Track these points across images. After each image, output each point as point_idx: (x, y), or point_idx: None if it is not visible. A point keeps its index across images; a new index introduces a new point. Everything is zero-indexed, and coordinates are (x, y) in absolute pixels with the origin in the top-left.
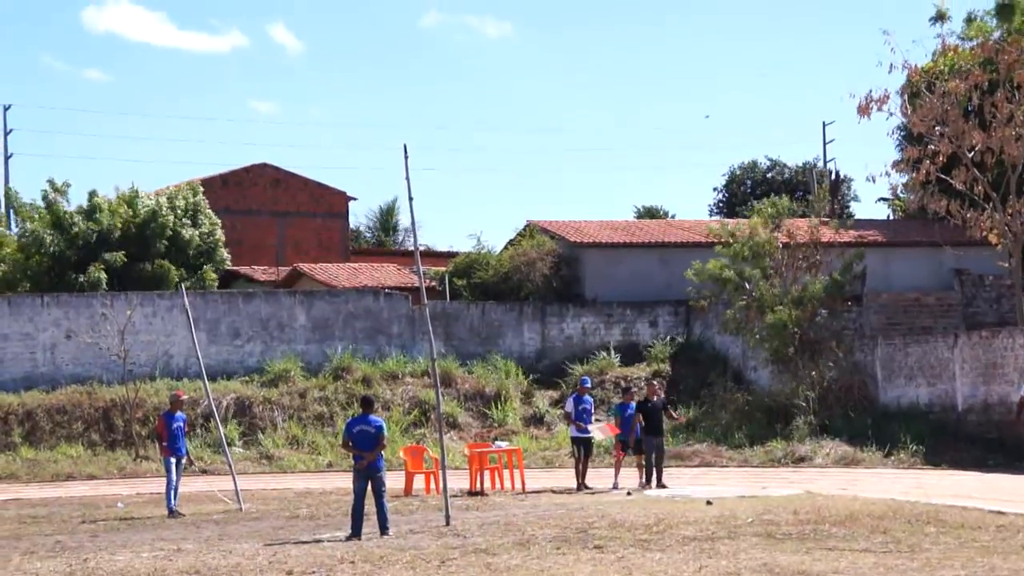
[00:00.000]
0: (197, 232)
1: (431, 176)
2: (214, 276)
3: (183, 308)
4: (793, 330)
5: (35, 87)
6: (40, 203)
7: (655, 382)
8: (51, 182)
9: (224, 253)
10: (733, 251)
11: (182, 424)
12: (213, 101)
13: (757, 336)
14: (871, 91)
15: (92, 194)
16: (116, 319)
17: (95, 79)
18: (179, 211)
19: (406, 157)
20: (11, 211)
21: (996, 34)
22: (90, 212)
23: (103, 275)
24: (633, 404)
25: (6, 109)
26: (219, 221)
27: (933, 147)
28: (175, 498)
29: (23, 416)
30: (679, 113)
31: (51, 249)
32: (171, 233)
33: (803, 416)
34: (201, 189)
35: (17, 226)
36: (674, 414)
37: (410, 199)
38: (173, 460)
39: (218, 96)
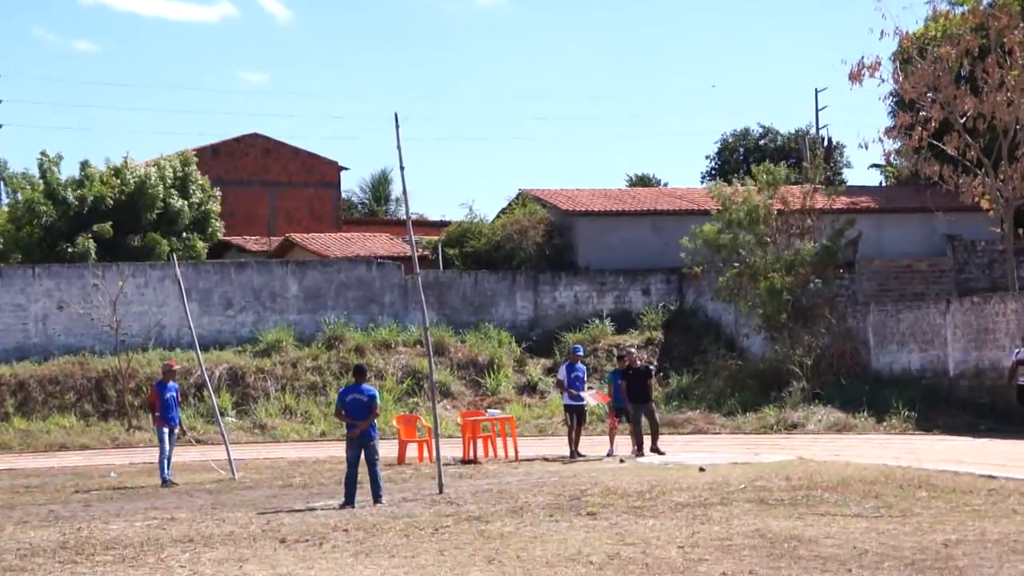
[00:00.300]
0: (187, 203)
1: (423, 145)
2: (203, 245)
3: (175, 278)
4: (786, 297)
5: (25, 58)
6: (34, 173)
7: (633, 350)
8: (44, 153)
9: (217, 223)
10: (728, 217)
11: (175, 394)
12: (203, 72)
13: (750, 303)
14: (863, 57)
15: (84, 164)
16: (108, 290)
17: (85, 50)
18: (169, 181)
19: (397, 127)
20: (2, 182)
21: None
22: (81, 183)
23: (92, 244)
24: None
25: None
26: (215, 192)
27: (925, 113)
28: (168, 467)
29: (16, 387)
30: (671, 81)
31: (44, 220)
32: (162, 204)
33: (796, 383)
34: (195, 159)
35: (7, 197)
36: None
37: (401, 168)
38: (166, 430)
39: (208, 67)
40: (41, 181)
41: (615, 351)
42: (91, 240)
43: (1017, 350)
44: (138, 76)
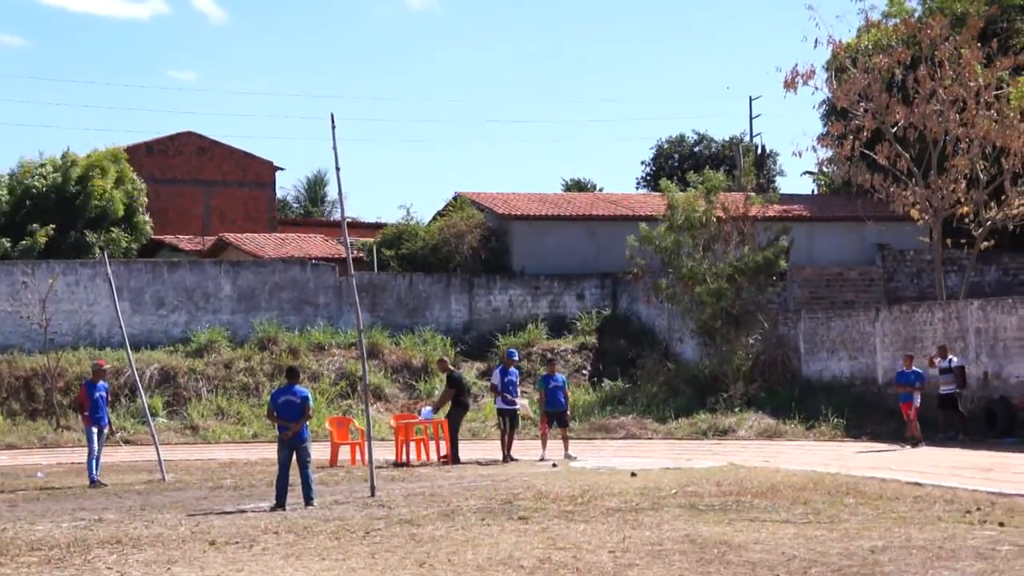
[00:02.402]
0: (120, 199)
1: (359, 147)
2: (130, 240)
3: (106, 276)
4: (722, 303)
5: None
6: None
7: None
8: None
9: (145, 219)
10: (669, 222)
11: (104, 394)
12: (132, 69)
13: (687, 307)
14: (797, 65)
15: (22, 164)
16: (37, 287)
17: (12, 44)
18: (110, 178)
19: (333, 127)
20: None
21: (918, 11)
22: (17, 178)
23: (42, 239)
24: (560, 376)
25: None
26: (144, 187)
27: (857, 122)
28: (97, 468)
29: None
30: (608, 86)
31: None
32: (98, 201)
33: (728, 389)
34: (124, 156)
35: None
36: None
37: (337, 169)
38: (95, 430)
39: (137, 64)
40: None
41: (547, 355)
42: (44, 236)
43: (948, 359)
44: (67, 72)
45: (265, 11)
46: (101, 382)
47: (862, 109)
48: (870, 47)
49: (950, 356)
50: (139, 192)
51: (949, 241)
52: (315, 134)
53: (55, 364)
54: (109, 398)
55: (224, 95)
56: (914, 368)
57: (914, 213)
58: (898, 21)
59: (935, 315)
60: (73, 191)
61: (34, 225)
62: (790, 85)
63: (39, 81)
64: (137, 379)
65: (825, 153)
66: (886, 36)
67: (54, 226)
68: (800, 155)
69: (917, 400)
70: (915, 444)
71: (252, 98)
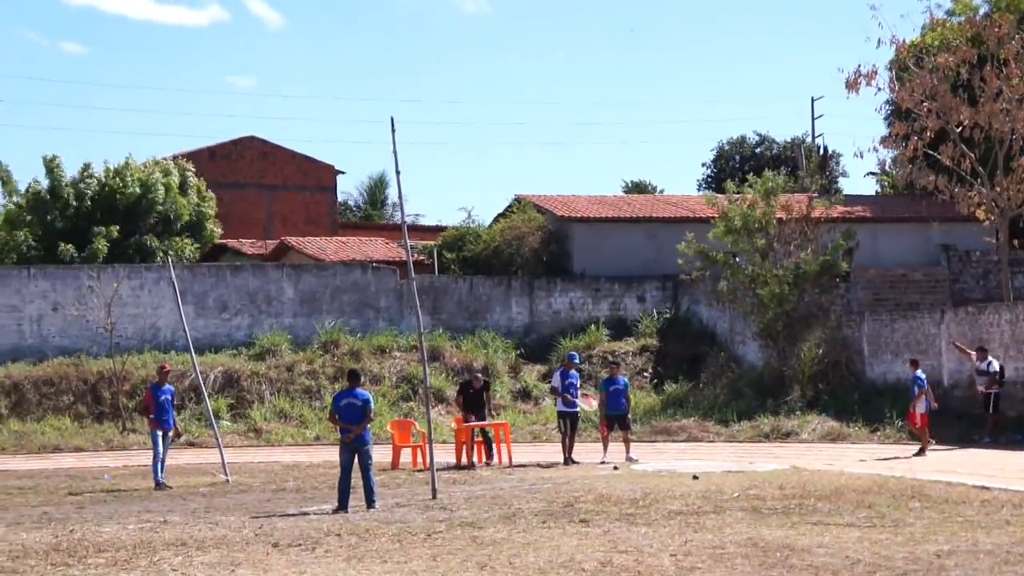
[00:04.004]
0: (185, 206)
1: (419, 150)
2: (196, 246)
3: (170, 281)
4: (783, 305)
5: (12, 60)
6: (36, 175)
7: (479, 375)
8: (46, 158)
9: (213, 227)
10: (728, 224)
11: (169, 396)
12: (191, 75)
13: (748, 310)
14: (859, 66)
15: (86, 167)
16: (103, 292)
17: (73, 52)
18: (172, 184)
19: (393, 130)
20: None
21: (983, 8)
22: (81, 184)
23: (104, 244)
24: (621, 379)
25: None
26: (212, 196)
27: (921, 123)
28: (162, 471)
29: (10, 388)
30: (669, 88)
31: (48, 220)
32: (161, 207)
33: (791, 391)
34: (190, 165)
35: (4, 198)
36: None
37: (397, 172)
38: (159, 432)
39: (196, 70)
40: (47, 181)
41: (608, 358)
42: (104, 240)
43: (987, 360)
44: (127, 78)
45: (321, 16)
46: (167, 385)
47: (926, 109)
48: (934, 46)
49: (989, 358)
50: (208, 200)
51: (1016, 242)
52: (375, 137)
53: (120, 368)
54: (175, 401)
55: (283, 100)
56: (916, 373)
57: (980, 214)
58: (963, 19)
59: (1002, 317)
60: (136, 196)
61: (98, 228)
62: (852, 86)
63: (101, 88)
64: (201, 382)
65: (888, 154)
66: (951, 34)
67: (117, 227)
68: (862, 156)
69: (921, 406)
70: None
71: (311, 102)
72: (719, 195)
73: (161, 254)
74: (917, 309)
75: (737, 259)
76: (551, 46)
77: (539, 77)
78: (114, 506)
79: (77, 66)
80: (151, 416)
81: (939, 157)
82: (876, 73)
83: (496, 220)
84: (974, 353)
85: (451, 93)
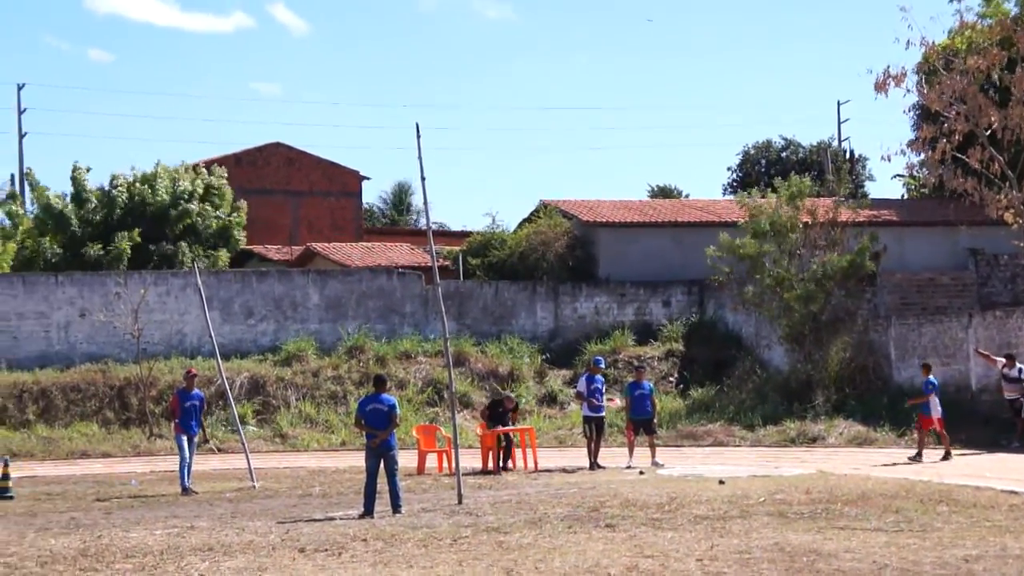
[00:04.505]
0: (215, 213)
1: (445, 156)
2: (225, 255)
3: (196, 287)
4: (810, 309)
5: (39, 67)
6: (59, 183)
7: (511, 395)
8: (75, 166)
9: (239, 235)
10: (754, 228)
11: (197, 402)
12: (216, 82)
13: (775, 314)
14: (888, 67)
15: (114, 178)
16: (130, 298)
17: (99, 59)
18: (199, 192)
19: (418, 136)
20: (29, 188)
21: (1014, 11)
22: (110, 192)
23: (127, 246)
24: (646, 383)
25: (20, 88)
26: (243, 204)
27: (949, 125)
28: (188, 476)
29: (38, 394)
30: (693, 92)
31: (73, 227)
32: (188, 214)
33: (817, 396)
34: (225, 173)
35: (33, 204)
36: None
37: (423, 178)
38: (185, 438)
39: (221, 77)
40: (71, 188)
41: (634, 363)
42: (126, 243)
43: (1017, 368)
44: (153, 85)
45: (345, 23)
46: (195, 391)
47: (955, 112)
48: (964, 49)
49: (1018, 365)
50: (239, 211)
51: None
52: (400, 143)
53: (147, 373)
54: (203, 407)
55: (308, 106)
56: (929, 377)
57: (1008, 217)
58: (993, 22)
59: None
60: (165, 204)
61: (122, 233)
62: (881, 87)
63: (127, 95)
64: (227, 388)
65: (916, 157)
66: (980, 37)
67: (139, 230)
68: (889, 159)
69: (936, 411)
70: (917, 458)
71: (336, 109)
72: (749, 197)
73: (190, 260)
74: (944, 313)
75: (765, 262)
76: (574, 51)
77: (563, 82)
78: (141, 511)
79: (103, 73)
80: (176, 421)
81: (968, 160)
82: (905, 75)
83: (521, 225)
84: (1002, 360)
85: (476, 99)
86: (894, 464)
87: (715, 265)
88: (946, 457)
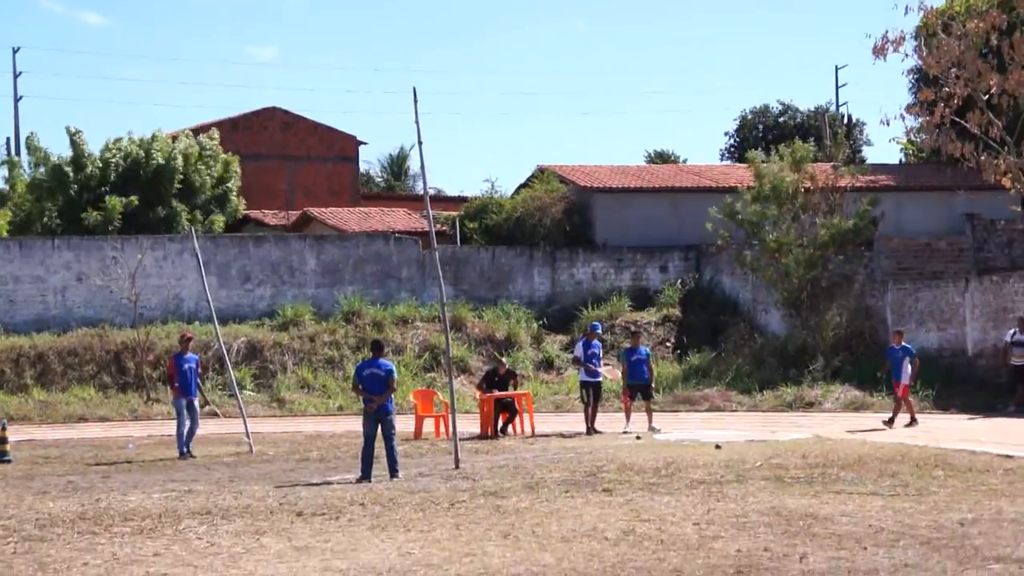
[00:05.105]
0: (210, 177)
1: (441, 120)
2: (222, 222)
3: (193, 251)
4: (807, 274)
5: (32, 31)
6: (55, 147)
7: (503, 360)
8: (69, 129)
9: (238, 200)
10: (755, 192)
11: (194, 365)
12: (211, 46)
13: (772, 279)
14: (887, 31)
15: (116, 140)
16: (127, 262)
17: (94, 22)
18: (193, 156)
19: (415, 101)
20: (27, 152)
21: None
22: (107, 155)
23: (118, 205)
24: (643, 348)
25: (15, 51)
26: (237, 170)
27: (948, 89)
28: (190, 440)
29: (35, 358)
30: (691, 57)
31: (72, 191)
32: (183, 177)
33: (814, 361)
34: (217, 135)
35: (30, 168)
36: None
37: (419, 143)
38: (183, 401)
39: (216, 41)
40: (70, 151)
41: (630, 328)
42: (117, 202)
43: (1012, 331)
44: (147, 49)
45: None
46: (190, 354)
47: (953, 75)
48: (962, 12)
49: None
50: (234, 175)
51: None
52: (397, 108)
53: (144, 338)
54: (200, 370)
55: (304, 70)
56: (903, 344)
57: (1006, 182)
58: None
59: None
60: (159, 166)
61: (118, 196)
62: (880, 51)
63: (120, 59)
64: (225, 353)
65: (914, 121)
66: (980, 0)
67: (136, 198)
68: (888, 123)
69: (906, 376)
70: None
71: (332, 73)
72: (756, 160)
73: (186, 223)
74: (941, 278)
75: (766, 226)
76: (572, 15)
77: (560, 47)
78: (139, 475)
79: (98, 37)
80: (175, 385)
81: (966, 124)
82: (904, 39)
83: (518, 190)
84: (1016, 326)
85: (473, 63)
86: (877, 429)
87: (715, 228)
88: (911, 423)
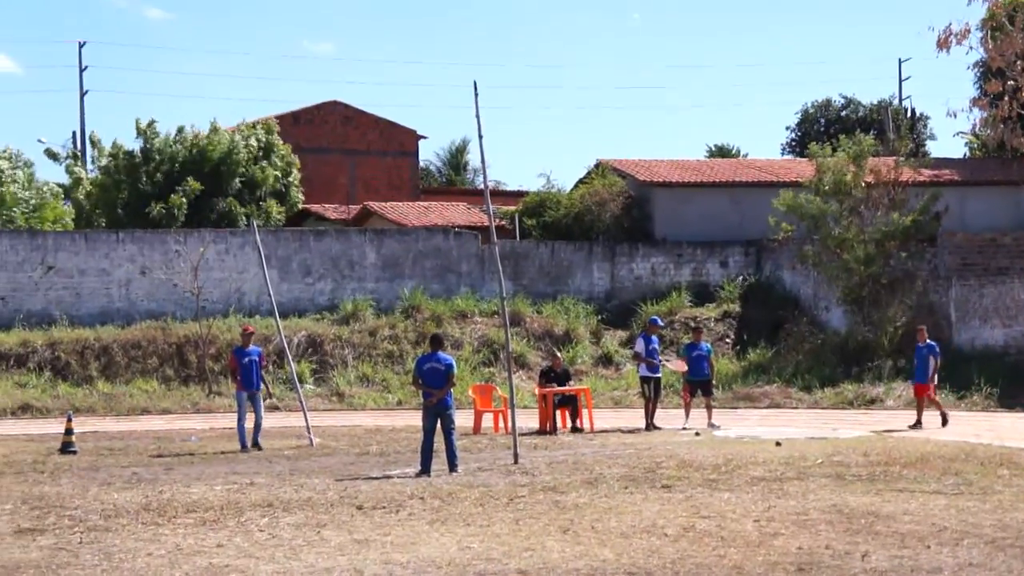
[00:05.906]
0: (272, 171)
1: (501, 114)
2: (280, 210)
3: (255, 245)
4: (874, 269)
5: (97, 26)
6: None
7: (558, 356)
8: (139, 121)
9: (297, 193)
10: (817, 187)
11: (255, 358)
12: (269, 41)
13: (834, 274)
14: (951, 23)
15: (179, 130)
16: (189, 256)
17: (156, 17)
18: (253, 149)
19: (476, 95)
20: (91, 146)
21: None
22: (172, 147)
23: (183, 202)
24: (704, 344)
25: (81, 46)
26: (296, 161)
27: (1013, 82)
28: (257, 433)
29: (99, 351)
30: (752, 51)
31: (142, 183)
32: (244, 171)
33: (876, 358)
34: (277, 128)
35: (94, 163)
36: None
37: (480, 137)
38: (244, 394)
39: (274, 36)
40: (139, 143)
41: (691, 324)
42: (183, 198)
43: None
44: (209, 44)
45: None
46: (252, 347)
47: (1019, 68)
48: None
49: None
50: (293, 166)
51: None
52: (457, 102)
53: (207, 331)
54: (263, 363)
55: (364, 64)
56: (928, 341)
57: None
58: None
59: None
60: (220, 159)
61: (179, 189)
62: (943, 44)
63: (182, 53)
64: (285, 346)
65: (980, 114)
66: None
67: (201, 185)
68: (955, 116)
69: (923, 376)
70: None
71: (391, 67)
72: (819, 154)
73: (245, 217)
74: (1007, 274)
75: (828, 221)
76: (629, 8)
77: (620, 40)
78: (201, 467)
79: (160, 31)
80: (237, 378)
81: None
82: (968, 31)
83: (577, 185)
84: None
85: (533, 57)
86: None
87: (777, 221)
88: (916, 425)
